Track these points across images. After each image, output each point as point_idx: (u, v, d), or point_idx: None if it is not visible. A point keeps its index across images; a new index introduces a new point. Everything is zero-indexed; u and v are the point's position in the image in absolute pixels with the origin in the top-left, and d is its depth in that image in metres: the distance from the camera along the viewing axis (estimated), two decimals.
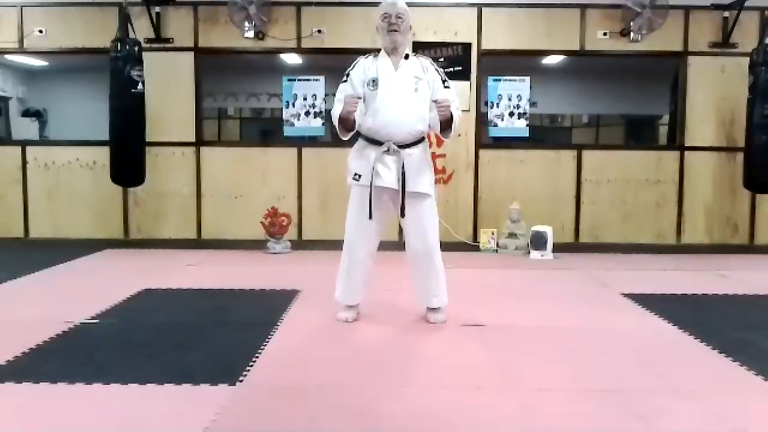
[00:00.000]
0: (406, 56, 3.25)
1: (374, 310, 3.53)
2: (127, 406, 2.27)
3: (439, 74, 3.26)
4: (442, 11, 6.06)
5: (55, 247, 5.74)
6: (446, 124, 3.16)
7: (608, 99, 9.36)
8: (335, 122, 3.22)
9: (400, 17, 3.18)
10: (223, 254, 5.50)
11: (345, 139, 3.31)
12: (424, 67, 3.25)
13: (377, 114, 3.16)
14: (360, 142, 3.28)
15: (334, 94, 3.28)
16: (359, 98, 3.14)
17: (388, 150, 3.16)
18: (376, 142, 3.19)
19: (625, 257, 5.57)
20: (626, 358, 2.85)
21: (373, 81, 3.19)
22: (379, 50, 3.30)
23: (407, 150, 3.18)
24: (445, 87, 3.24)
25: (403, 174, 3.14)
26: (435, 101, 3.09)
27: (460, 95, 5.93)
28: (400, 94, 3.16)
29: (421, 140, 3.25)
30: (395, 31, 3.17)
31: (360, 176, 3.22)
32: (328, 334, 3.20)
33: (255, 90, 9.59)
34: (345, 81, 3.28)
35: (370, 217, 3.21)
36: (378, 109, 3.16)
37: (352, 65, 3.31)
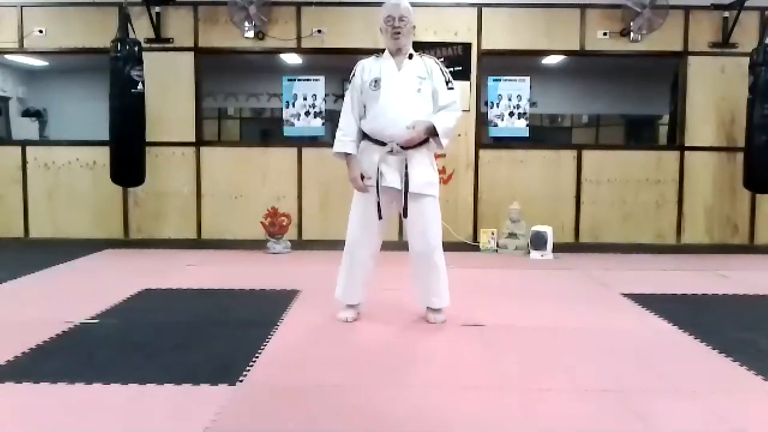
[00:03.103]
0: (410, 56, 3.24)
1: (374, 310, 3.52)
2: (127, 406, 2.27)
3: (444, 75, 3.24)
4: (442, 11, 6.05)
5: (55, 247, 5.74)
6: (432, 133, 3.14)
7: (608, 99, 9.35)
8: (335, 149, 3.29)
9: (403, 19, 3.16)
10: (223, 254, 5.50)
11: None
12: (429, 67, 3.23)
13: (379, 115, 3.16)
14: (363, 143, 3.27)
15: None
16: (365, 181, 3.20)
17: (392, 151, 3.16)
18: (379, 143, 3.19)
19: (625, 257, 5.57)
20: (626, 358, 2.85)
21: (376, 81, 3.18)
22: (382, 50, 3.29)
23: (410, 151, 3.17)
24: (449, 89, 3.22)
25: (406, 174, 3.14)
26: (408, 127, 3.09)
27: (460, 95, 6.02)
28: (403, 95, 3.15)
29: (425, 141, 3.23)
30: (399, 33, 3.16)
31: (365, 177, 3.21)
32: (328, 334, 3.20)
33: (255, 90, 9.58)
34: (347, 89, 3.31)
35: (380, 217, 3.21)
36: (380, 110, 3.15)
37: (353, 71, 3.31)
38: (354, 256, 3.34)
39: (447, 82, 3.23)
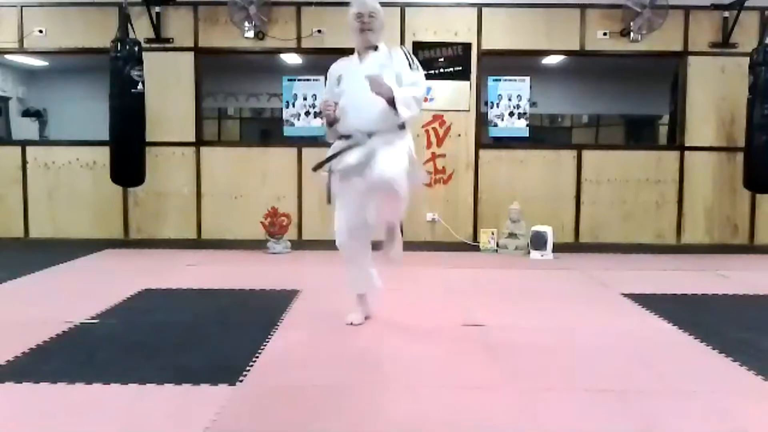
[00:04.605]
0: (376, 48, 3.18)
1: (374, 310, 3.52)
2: (127, 406, 2.27)
3: (408, 58, 3.13)
4: (442, 11, 6.06)
5: (55, 247, 5.74)
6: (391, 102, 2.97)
7: (608, 99, 9.35)
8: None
9: (372, 16, 3.13)
10: (223, 254, 5.50)
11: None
12: (393, 53, 3.16)
13: (344, 109, 3.12)
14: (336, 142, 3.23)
15: None
16: (334, 102, 3.14)
17: (357, 142, 3.06)
18: (348, 137, 3.14)
19: (625, 257, 5.57)
20: (626, 358, 2.85)
21: (338, 78, 3.20)
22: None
23: (375, 139, 3.03)
24: (413, 70, 3.10)
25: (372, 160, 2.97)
26: (367, 76, 2.95)
27: (460, 95, 6.04)
28: (364, 85, 2.99)
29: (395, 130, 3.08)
30: (368, 29, 3.11)
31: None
32: (328, 334, 3.19)
33: (255, 90, 9.58)
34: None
35: (329, 201, 3.31)
36: (344, 104, 3.12)
37: (329, 69, 3.32)
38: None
39: (410, 64, 3.11)
